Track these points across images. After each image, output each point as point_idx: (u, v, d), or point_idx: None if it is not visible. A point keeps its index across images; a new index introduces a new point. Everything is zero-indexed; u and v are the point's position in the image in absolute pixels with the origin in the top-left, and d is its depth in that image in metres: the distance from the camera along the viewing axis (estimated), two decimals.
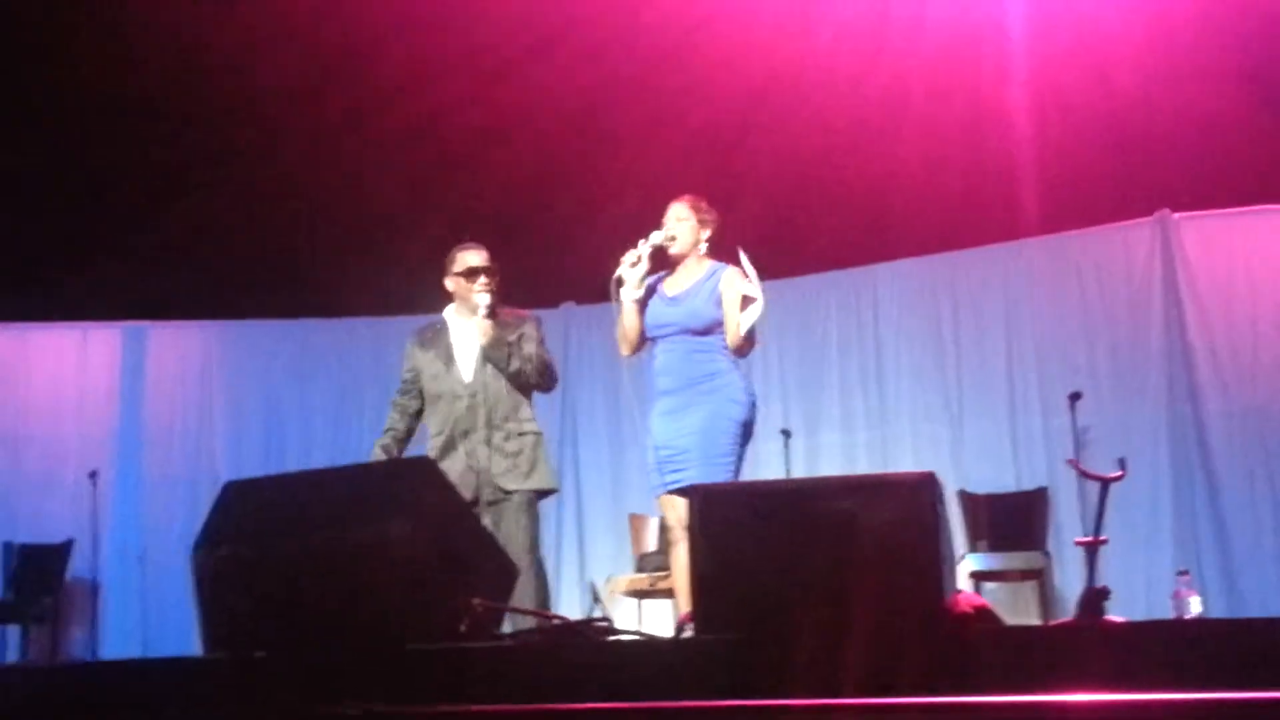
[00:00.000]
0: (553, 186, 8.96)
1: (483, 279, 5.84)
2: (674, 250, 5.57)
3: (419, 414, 5.95)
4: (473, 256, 5.89)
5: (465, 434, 5.76)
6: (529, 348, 5.85)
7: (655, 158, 8.30)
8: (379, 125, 8.64)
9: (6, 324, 10.13)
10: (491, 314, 5.82)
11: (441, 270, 6.01)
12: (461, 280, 5.89)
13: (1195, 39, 7.67)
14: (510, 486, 5.70)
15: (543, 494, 5.89)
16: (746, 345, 5.43)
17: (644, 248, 5.49)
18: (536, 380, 5.91)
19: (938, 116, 8.17)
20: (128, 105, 8.79)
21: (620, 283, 5.50)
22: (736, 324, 5.37)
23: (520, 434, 5.82)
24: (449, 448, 5.77)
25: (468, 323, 5.89)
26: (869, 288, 9.28)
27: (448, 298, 6.02)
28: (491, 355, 5.76)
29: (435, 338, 5.95)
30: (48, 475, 9.86)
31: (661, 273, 5.64)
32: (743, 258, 5.38)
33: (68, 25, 8.24)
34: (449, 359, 5.86)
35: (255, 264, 9.59)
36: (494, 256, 5.95)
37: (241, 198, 9.10)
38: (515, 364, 5.78)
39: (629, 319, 5.55)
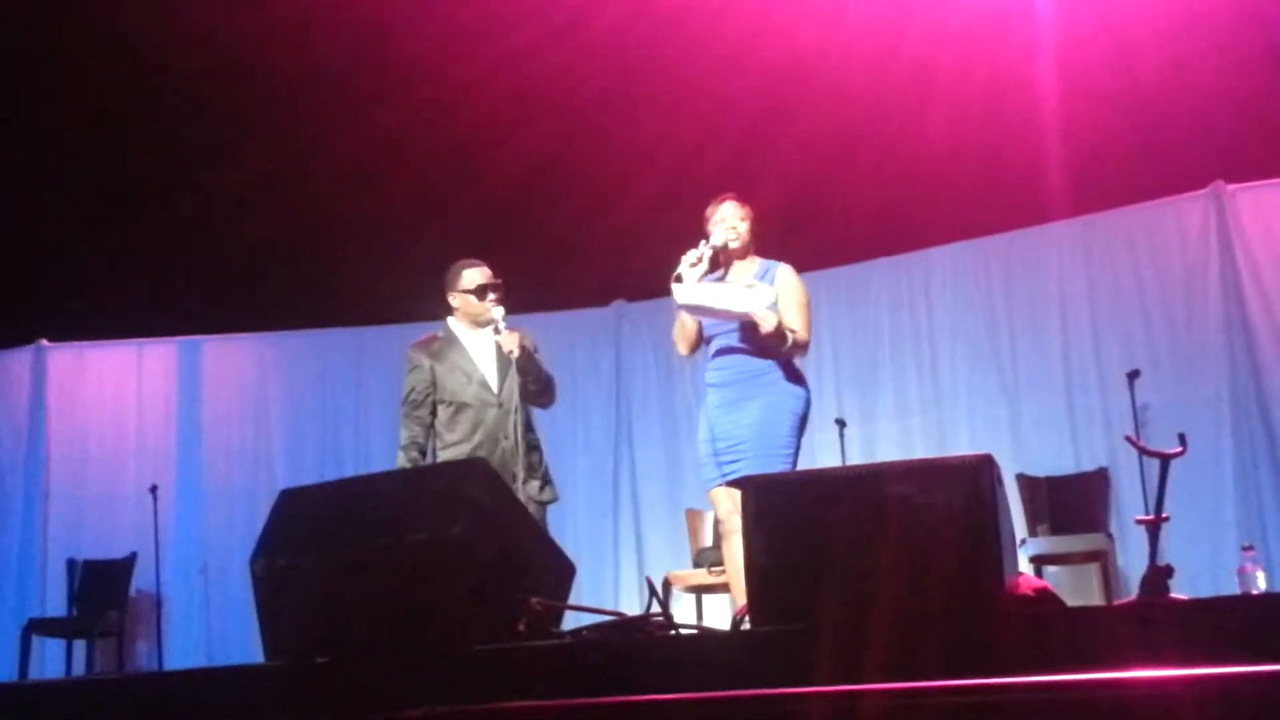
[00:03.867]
0: (589, 181, 8.93)
1: (492, 295, 5.96)
2: (733, 246, 5.62)
3: (432, 425, 5.99)
4: (479, 274, 6.01)
5: (495, 441, 5.83)
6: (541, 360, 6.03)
7: (687, 146, 8.29)
8: (412, 122, 8.65)
9: (64, 344, 10.26)
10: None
11: (444, 283, 6.12)
12: (470, 297, 5.99)
13: (1233, 8, 7.57)
14: (535, 496, 5.78)
15: (549, 504, 5.98)
16: (797, 348, 5.49)
17: (705, 248, 5.55)
18: (550, 393, 6.04)
19: (978, 96, 8.08)
20: (174, 128, 8.87)
21: (680, 280, 5.52)
22: (794, 322, 5.42)
23: (534, 446, 5.91)
24: (477, 454, 5.80)
25: (477, 334, 5.99)
26: (920, 272, 9.21)
27: (447, 310, 6.12)
28: (527, 366, 5.81)
29: (445, 350, 6.01)
30: (109, 491, 9.97)
31: (717, 271, 5.68)
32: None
33: (108, 48, 8.31)
34: (471, 369, 5.93)
35: (306, 274, 9.65)
36: (518, 263, 6.23)
37: (289, 209, 9.15)
38: (546, 374, 5.94)
39: (690, 318, 5.57)
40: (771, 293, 5.39)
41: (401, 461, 5.91)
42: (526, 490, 5.72)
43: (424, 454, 5.94)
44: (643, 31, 8.33)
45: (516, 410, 5.78)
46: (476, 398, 5.89)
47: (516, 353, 5.76)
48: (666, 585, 7.88)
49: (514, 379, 5.80)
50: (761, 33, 8.17)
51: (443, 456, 5.90)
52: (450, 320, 6.10)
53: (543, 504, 5.85)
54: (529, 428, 5.89)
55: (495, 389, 5.89)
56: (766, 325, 5.31)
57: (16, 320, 9.82)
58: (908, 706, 2.63)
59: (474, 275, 5.99)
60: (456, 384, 5.92)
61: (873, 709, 2.64)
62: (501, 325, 5.83)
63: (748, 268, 5.64)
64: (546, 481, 5.92)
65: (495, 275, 6.04)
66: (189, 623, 9.80)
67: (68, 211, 9.29)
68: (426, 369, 5.97)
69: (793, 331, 5.40)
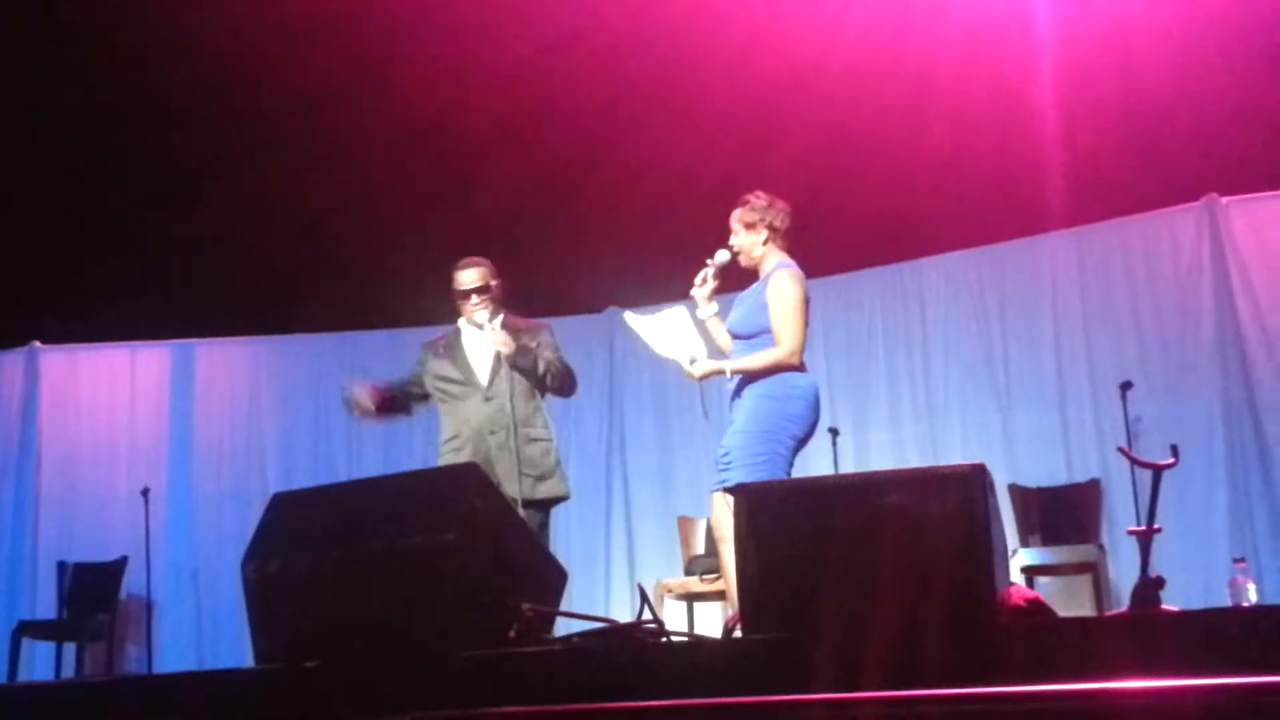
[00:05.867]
0: (585, 188, 8.93)
1: (473, 299, 6.00)
2: (743, 263, 5.61)
3: (414, 396, 6.21)
4: (464, 276, 6.05)
5: (483, 436, 5.86)
6: (548, 354, 5.99)
7: (684, 155, 8.30)
8: (408, 130, 8.65)
9: (57, 346, 10.25)
10: (504, 325, 5.99)
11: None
12: (458, 301, 6.07)
13: (1229, 21, 7.59)
14: (524, 494, 5.73)
15: (555, 501, 5.99)
16: (770, 365, 5.40)
17: (710, 267, 5.55)
18: (558, 385, 6.04)
19: (974, 107, 8.09)
20: (172, 134, 8.87)
21: (693, 302, 5.61)
22: (778, 330, 5.38)
23: (534, 440, 5.91)
24: (465, 449, 5.86)
25: (480, 332, 6.00)
26: (914, 282, 9.22)
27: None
28: (519, 363, 5.87)
29: (449, 346, 6.12)
30: (101, 494, 9.95)
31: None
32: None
33: (110, 54, 8.31)
34: (466, 365, 6.01)
35: (299, 278, 9.64)
36: (515, 268, 6.17)
37: (283, 213, 9.14)
38: (542, 366, 5.93)
39: (713, 338, 5.62)
40: (697, 347, 5.42)
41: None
42: (515, 489, 5.69)
43: (394, 387, 6.20)
44: (642, 43, 8.33)
45: (510, 407, 5.80)
46: (467, 394, 5.96)
47: (504, 350, 5.84)
48: (658, 593, 7.88)
49: (506, 375, 5.86)
50: (760, 44, 8.17)
51: (441, 454, 6.00)
52: (461, 319, 6.17)
53: (536, 502, 5.82)
54: (529, 423, 5.90)
55: (485, 383, 5.94)
56: (692, 378, 5.41)
57: (10, 321, 9.80)
58: (898, 715, 2.63)
59: (459, 278, 6.05)
60: (450, 380, 6.02)
61: (864, 717, 2.64)
62: (487, 326, 5.92)
63: (765, 270, 5.54)
64: (544, 479, 5.88)
65: (494, 273, 6.07)
66: (179, 626, 9.77)
67: (62, 213, 9.27)
68: (428, 363, 6.13)
69: (719, 372, 5.40)
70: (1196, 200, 8.36)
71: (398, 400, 6.22)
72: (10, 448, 10.07)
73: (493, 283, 6.04)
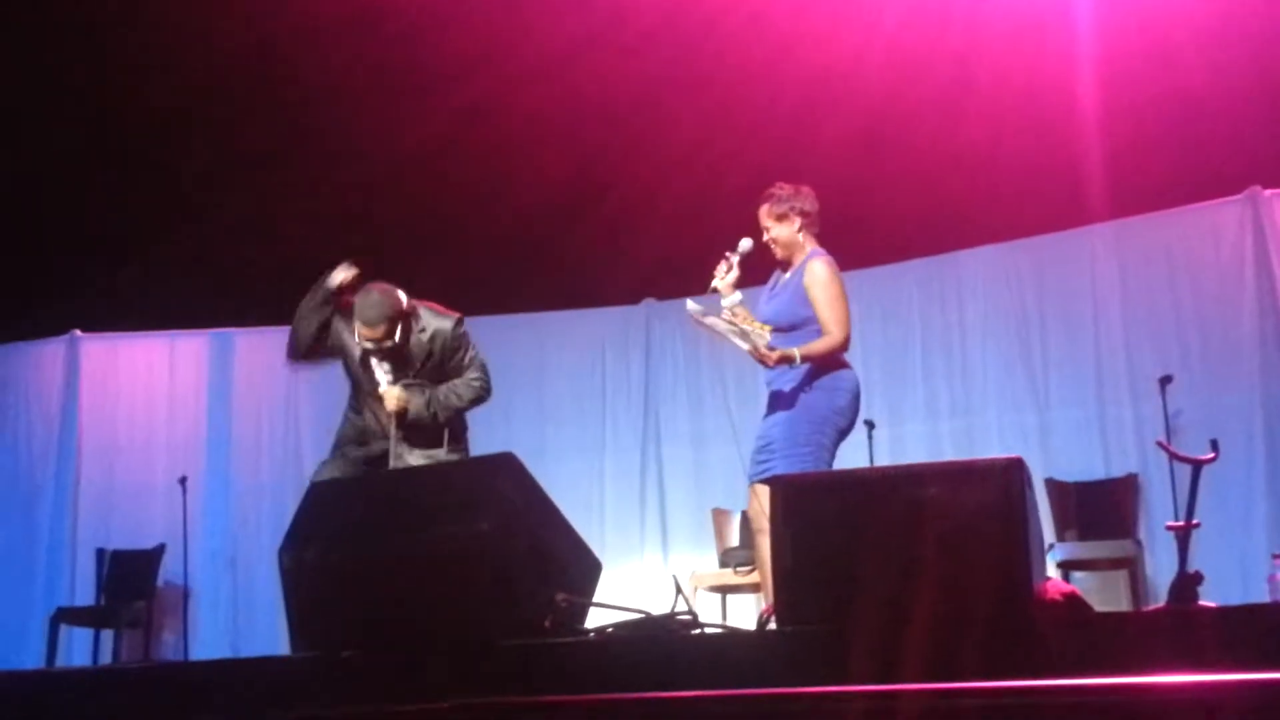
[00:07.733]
0: (621, 182, 8.92)
1: (371, 346, 5.53)
2: (779, 255, 5.59)
3: (324, 339, 5.67)
4: (364, 331, 5.51)
5: (383, 436, 5.61)
6: (465, 356, 5.69)
7: (721, 147, 8.27)
8: (444, 124, 8.66)
9: (97, 334, 10.31)
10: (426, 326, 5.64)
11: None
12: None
13: (1271, 12, 7.52)
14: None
15: None
16: (823, 353, 5.37)
17: (733, 257, 5.52)
18: (470, 406, 5.69)
19: (1013, 99, 8.04)
20: (212, 128, 8.92)
21: (716, 293, 5.53)
22: (826, 319, 5.36)
23: (436, 449, 5.62)
24: (366, 438, 5.71)
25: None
26: (952, 275, 9.16)
27: None
28: (420, 421, 5.56)
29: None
30: (139, 482, 10.01)
31: (776, 277, 5.68)
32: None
33: (145, 47, 8.36)
34: (367, 363, 5.62)
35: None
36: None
37: (322, 204, 9.17)
38: (442, 416, 5.60)
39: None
40: (766, 333, 5.32)
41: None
42: (405, 458, 5.55)
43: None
44: (680, 36, 8.31)
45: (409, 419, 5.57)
46: (368, 388, 5.69)
47: (394, 409, 5.51)
48: (692, 585, 7.88)
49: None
50: (798, 35, 8.14)
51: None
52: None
53: None
54: (435, 442, 5.61)
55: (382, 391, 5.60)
56: (766, 363, 5.29)
57: (50, 310, 9.88)
58: (933, 708, 2.62)
59: (358, 329, 5.54)
60: (355, 366, 5.73)
61: (899, 710, 2.63)
62: (383, 383, 5.54)
63: (798, 261, 5.54)
64: (434, 445, 5.60)
65: (397, 308, 5.53)
66: (215, 614, 9.83)
67: (102, 203, 9.33)
68: (342, 334, 5.71)
69: (791, 359, 5.27)
70: (1239, 193, 8.28)
71: (325, 334, 5.67)
72: (50, 436, 10.15)
73: (396, 327, 5.51)
